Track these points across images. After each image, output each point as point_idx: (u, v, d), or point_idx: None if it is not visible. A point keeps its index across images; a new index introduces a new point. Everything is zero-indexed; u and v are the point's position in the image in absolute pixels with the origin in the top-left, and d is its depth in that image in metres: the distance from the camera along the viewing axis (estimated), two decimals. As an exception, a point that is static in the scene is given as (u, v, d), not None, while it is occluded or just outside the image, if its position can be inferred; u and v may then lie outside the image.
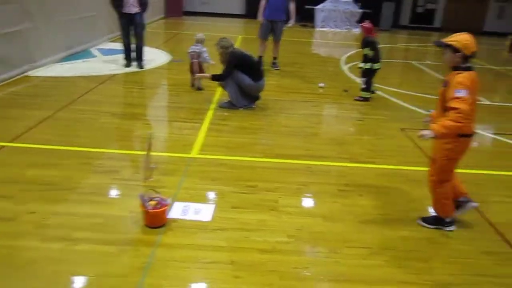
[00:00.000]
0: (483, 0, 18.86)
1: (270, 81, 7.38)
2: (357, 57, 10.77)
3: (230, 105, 5.65)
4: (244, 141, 4.69)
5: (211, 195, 3.51)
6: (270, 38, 8.08)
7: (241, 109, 5.65)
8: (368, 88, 6.36)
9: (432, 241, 3.07)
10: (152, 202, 3.03)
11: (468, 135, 2.91)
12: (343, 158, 4.39)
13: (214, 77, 5.66)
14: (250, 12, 17.07)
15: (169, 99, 6.24)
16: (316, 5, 16.24)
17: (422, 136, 2.82)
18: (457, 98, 2.73)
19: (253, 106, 5.76)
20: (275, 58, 8.26)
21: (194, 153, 4.29)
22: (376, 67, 6.30)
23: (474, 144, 3.00)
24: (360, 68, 6.38)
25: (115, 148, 4.30)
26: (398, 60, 10.95)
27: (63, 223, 2.97)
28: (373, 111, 6.13)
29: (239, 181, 3.76)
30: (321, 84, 7.16)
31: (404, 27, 18.47)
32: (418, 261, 2.84)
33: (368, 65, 6.23)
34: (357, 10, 16.13)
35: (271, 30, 7.89)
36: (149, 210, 2.98)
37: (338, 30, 16.06)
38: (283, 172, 3.99)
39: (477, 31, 18.46)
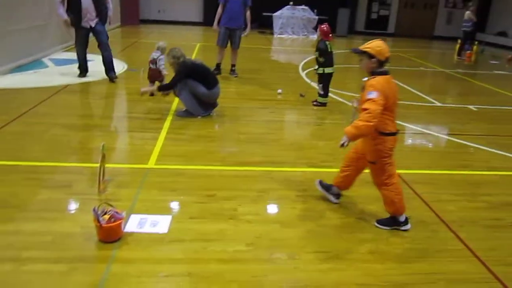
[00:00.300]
0: (432, 6, 19.65)
1: (229, 88, 7.39)
2: (314, 62, 10.94)
3: (187, 114, 5.59)
4: (202, 149, 4.63)
5: (169, 206, 3.44)
6: (229, 45, 8.06)
7: (199, 117, 5.58)
8: (325, 93, 6.41)
9: (390, 243, 3.12)
10: (106, 216, 2.93)
11: (392, 134, 3.05)
12: (302, 163, 4.42)
13: (161, 88, 5.61)
14: (207, 20, 17.09)
15: (125, 109, 6.10)
16: (274, 12, 16.39)
17: (341, 146, 2.95)
18: (369, 99, 2.88)
19: (211, 113, 5.71)
20: (233, 65, 8.25)
21: (152, 164, 4.19)
22: (328, 72, 6.33)
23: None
24: (316, 72, 6.41)
25: (67, 161, 4.14)
26: (355, 66, 11.12)
27: (11, 243, 2.82)
28: (331, 116, 6.21)
29: (198, 191, 3.70)
30: (279, 90, 7.20)
31: (360, 33, 18.96)
32: (375, 263, 2.87)
33: (320, 70, 6.27)
34: (313, 16, 16.41)
35: (229, 37, 7.86)
36: (102, 225, 2.87)
37: (296, 36, 16.28)
38: (242, 179, 3.96)
39: (428, 36, 19.27)
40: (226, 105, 6.28)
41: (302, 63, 10.37)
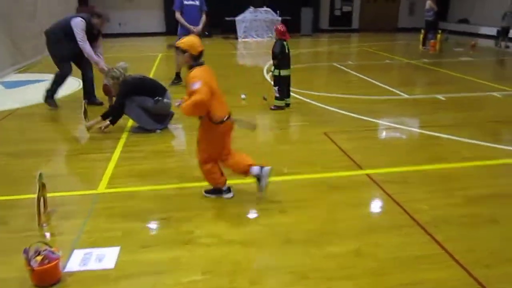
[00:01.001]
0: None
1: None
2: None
3: (143, 130, 5.24)
4: (158, 166, 4.29)
5: (118, 235, 3.08)
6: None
7: (157, 131, 5.25)
8: (281, 96, 6.14)
9: (361, 254, 2.84)
10: (39, 258, 2.56)
11: (220, 122, 3.25)
12: (265, 172, 4.10)
13: (106, 115, 5.18)
14: (170, 29, 16.81)
15: (77, 130, 5.68)
16: (236, 16, 16.15)
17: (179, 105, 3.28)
18: (194, 91, 3.07)
19: (168, 126, 5.39)
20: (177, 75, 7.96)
21: (101, 188, 3.83)
22: (284, 74, 6.08)
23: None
24: (272, 74, 6.17)
25: (4, 193, 3.73)
26: (321, 63, 11.03)
27: None
28: (296, 118, 5.97)
29: (151, 215, 3.36)
30: (243, 96, 6.93)
31: (325, 31, 18.92)
32: (347, 279, 2.58)
33: (276, 72, 6.04)
34: (276, 18, 16.22)
35: None
36: (34, 268, 2.50)
37: (260, 39, 16.11)
38: (201, 197, 3.63)
39: (392, 29, 19.33)
40: (184, 115, 5.97)
41: (267, 65, 10.11)
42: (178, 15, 7.52)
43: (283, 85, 6.11)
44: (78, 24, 5.98)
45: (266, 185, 3.42)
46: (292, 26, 17.16)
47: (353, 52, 13.73)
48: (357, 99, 6.83)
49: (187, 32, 7.50)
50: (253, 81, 8.21)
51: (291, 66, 6.21)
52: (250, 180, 3.63)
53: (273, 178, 3.93)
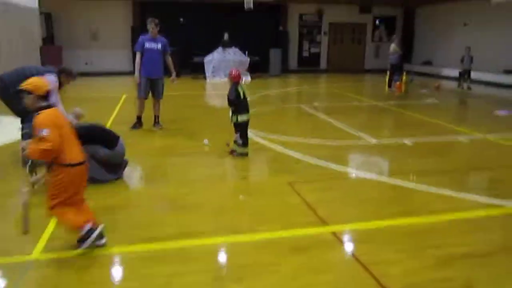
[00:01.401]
0: (360, 41, 20.23)
1: (150, 143, 6.82)
2: (250, 104, 10.69)
3: (93, 181, 4.82)
4: (106, 224, 3.86)
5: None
6: (150, 95, 7.52)
7: (112, 180, 4.93)
8: (244, 143, 5.91)
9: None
10: None
11: (73, 165, 3.17)
12: (222, 231, 3.76)
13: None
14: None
15: (16, 179, 5.19)
16: (204, 57, 16.07)
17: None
18: (42, 138, 3.01)
19: (121, 176, 5.04)
20: (157, 116, 7.68)
21: (36, 253, 3.37)
22: (243, 120, 5.86)
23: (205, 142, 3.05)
24: (231, 121, 5.92)
25: None
26: (288, 105, 10.92)
27: None
28: (259, 165, 5.71)
29: (87, 287, 2.92)
30: (206, 141, 6.67)
31: (293, 71, 19.07)
32: None
33: (234, 118, 5.82)
34: (245, 58, 16.22)
35: (151, 87, 7.36)
36: None
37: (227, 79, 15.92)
38: (148, 263, 3.23)
39: (359, 70, 19.69)
40: (143, 163, 5.70)
41: (233, 107, 9.90)
42: (138, 58, 7.21)
43: (242, 131, 5.87)
44: (52, 81, 5.32)
45: (99, 244, 3.34)
46: (261, 67, 17.69)
47: (321, 93, 13.76)
48: (323, 145, 6.66)
49: (147, 76, 7.25)
50: (219, 124, 7.92)
51: (250, 110, 5.98)
52: (210, 239, 3.26)
53: (228, 238, 3.59)
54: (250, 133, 6.96)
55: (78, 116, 5.80)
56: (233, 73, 5.83)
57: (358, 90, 13.98)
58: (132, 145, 6.21)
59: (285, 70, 18.33)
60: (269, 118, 8.82)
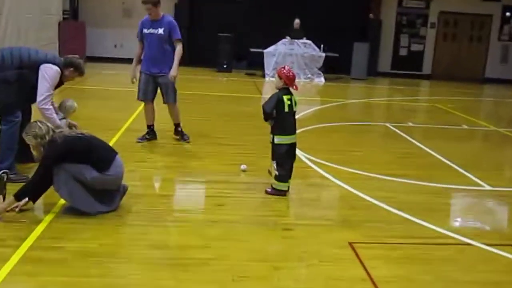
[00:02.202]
0: (481, 39, 19.13)
1: (162, 163, 6.73)
2: (315, 117, 10.57)
3: (77, 212, 4.72)
4: (77, 283, 3.52)
5: None
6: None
7: (102, 213, 4.76)
8: (284, 175, 5.49)
9: None
10: None
11: None
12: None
13: (21, 195, 4.56)
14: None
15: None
16: (265, 48, 16.04)
17: None
18: None
19: (115, 208, 4.85)
20: (176, 125, 7.48)
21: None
22: (283, 142, 5.46)
23: None
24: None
25: None
26: (370, 122, 10.40)
27: None
28: (311, 211, 5.27)
29: None
30: (243, 167, 6.38)
31: (385, 75, 18.60)
32: None
33: (274, 139, 5.50)
34: (319, 54, 16.07)
35: (157, 87, 7.21)
36: None
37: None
38: None
39: (476, 79, 18.62)
40: (147, 192, 5.50)
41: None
42: (138, 48, 7.23)
43: (282, 158, 5.46)
44: (50, 74, 5.33)
45: None
46: (340, 66, 17.39)
47: (419, 109, 13.30)
48: (411, 185, 6.19)
49: (147, 71, 7.10)
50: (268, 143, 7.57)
51: (297, 130, 5.67)
52: None
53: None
54: (303, 159, 6.81)
55: (68, 111, 5.62)
56: (285, 71, 5.46)
57: (472, 107, 13.38)
58: (138, 165, 6.18)
59: (373, 72, 17.92)
60: (338, 139, 8.52)
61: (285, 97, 5.37)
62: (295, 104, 5.49)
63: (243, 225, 4.79)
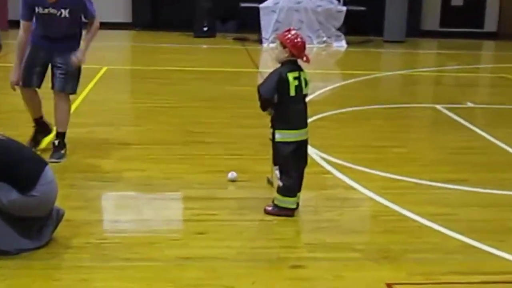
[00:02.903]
0: None
1: (114, 173, 6.66)
2: (337, 99, 10.57)
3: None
4: None
5: None
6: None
7: (27, 250, 4.72)
8: (290, 187, 5.47)
9: None
10: None
11: None
12: None
13: None
14: (139, 20, 16.83)
15: None
16: (261, 2, 16.22)
17: None
18: None
19: (45, 242, 4.81)
20: (58, 134, 7.31)
21: None
22: (287, 139, 5.41)
23: None
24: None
25: None
26: (409, 105, 10.39)
27: None
28: (330, 239, 5.19)
29: None
30: (231, 175, 6.33)
31: (431, 35, 18.76)
32: None
33: (275, 135, 5.47)
34: (339, 7, 16.24)
35: (44, 69, 7.21)
36: None
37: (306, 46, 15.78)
38: None
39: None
40: (93, 217, 5.42)
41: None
42: (21, 34, 7.12)
43: (287, 162, 5.41)
44: None
45: None
46: (368, 25, 17.47)
47: (481, 82, 13.46)
48: (475, 196, 6.16)
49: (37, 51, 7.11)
50: (267, 142, 7.54)
51: (308, 122, 5.61)
52: None
53: None
54: (318, 161, 6.83)
55: None
56: (291, 36, 5.37)
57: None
58: (78, 177, 6.26)
59: (414, 32, 18.14)
60: (368, 130, 8.51)
61: (290, 75, 5.29)
62: (306, 84, 5.44)
63: (233, 262, 4.81)
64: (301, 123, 5.47)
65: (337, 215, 5.69)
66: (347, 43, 15.93)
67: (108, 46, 15.37)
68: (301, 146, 5.50)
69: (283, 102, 5.35)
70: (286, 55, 5.31)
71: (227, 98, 10.26)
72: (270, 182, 5.93)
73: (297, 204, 5.53)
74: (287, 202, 5.47)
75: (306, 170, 5.55)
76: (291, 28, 5.59)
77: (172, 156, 7.17)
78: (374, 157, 7.15)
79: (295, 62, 5.36)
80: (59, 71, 7.11)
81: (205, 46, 15.80)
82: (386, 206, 5.81)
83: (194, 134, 7.94)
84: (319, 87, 10.64)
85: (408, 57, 15.67)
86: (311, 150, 5.92)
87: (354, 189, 6.23)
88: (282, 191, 5.45)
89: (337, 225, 5.53)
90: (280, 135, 5.40)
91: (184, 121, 8.44)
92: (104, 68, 11.76)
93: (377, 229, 5.48)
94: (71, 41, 7.17)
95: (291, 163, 5.45)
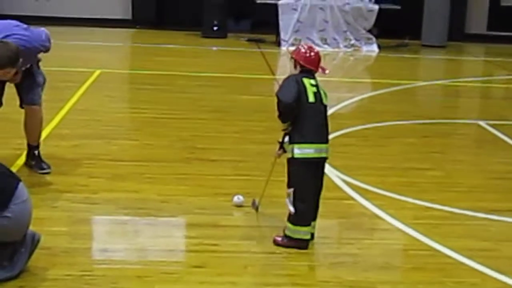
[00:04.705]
0: None
1: (102, 193, 6.69)
2: (365, 112, 10.51)
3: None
4: None
5: None
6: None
7: None
8: (304, 213, 5.43)
9: None
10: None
11: None
12: None
13: None
14: (140, 16, 16.88)
15: None
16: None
17: None
18: None
19: (18, 272, 4.80)
20: (32, 147, 7.36)
21: None
22: (305, 155, 5.41)
23: None
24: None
25: None
26: (449, 120, 10.32)
27: None
28: (352, 277, 5.15)
29: None
30: (238, 199, 6.29)
31: (477, 39, 18.72)
32: None
33: (289, 149, 5.50)
34: (370, 6, 16.27)
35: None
36: None
37: (330, 50, 16.02)
38: None
39: None
40: (74, 244, 5.39)
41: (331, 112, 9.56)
42: None
43: (301, 183, 5.38)
44: None
45: None
46: (404, 27, 17.47)
47: None
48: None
49: None
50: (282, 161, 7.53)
51: (329, 137, 5.60)
52: None
53: None
54: (339, 184, 6.85)
55: None
56: (303, 51, 5.46)
57: None
58: (59, 197, 6.29)
59: (458, 35, 18.17)
60: (399, 150, 8.54)
61: (306, 80, 5.31)
62: (325, 95, 5.48)
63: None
64: (322, 138, 5.47)
65: (358, 249, 5.65)
66: (379, 47, 15.92)
67: (102, 46, 15.46)
68: (319, 165, 5.50)
69: (302, 111, 5.36)
70: (303, 63, 5.41)
71: (237, 109, 10.28)
72: (255, 207, 5.97)
73: (312, 235, 5.51)
74: (300, 232, 5.44)
75: (324, 194, 5.53)
76: (302, 43, 5.62)
77: (171, 175, 7.16)
78: (405, 181, 7.13)
79: (310, 71, 5.44)
80: None
81: (214, 48, 15.90)
82: (417, 239, 5.78)
83: (197, 151, 7.94)
84: (344, 98, 10.61)
85: (450, 64, 15.67)
86: (331, 172, 5.90)
87: (380, 218, 6.22)
88: (294, 219, 5.41)
89: (358, 260, 5.47)
90: (299, 151, 5.37)
91: (187, 135, 8.46)
92: (97, 72, 11.75)
93: (405, 266, 5.44)
94: None
95: (307, 185, 5.43)
